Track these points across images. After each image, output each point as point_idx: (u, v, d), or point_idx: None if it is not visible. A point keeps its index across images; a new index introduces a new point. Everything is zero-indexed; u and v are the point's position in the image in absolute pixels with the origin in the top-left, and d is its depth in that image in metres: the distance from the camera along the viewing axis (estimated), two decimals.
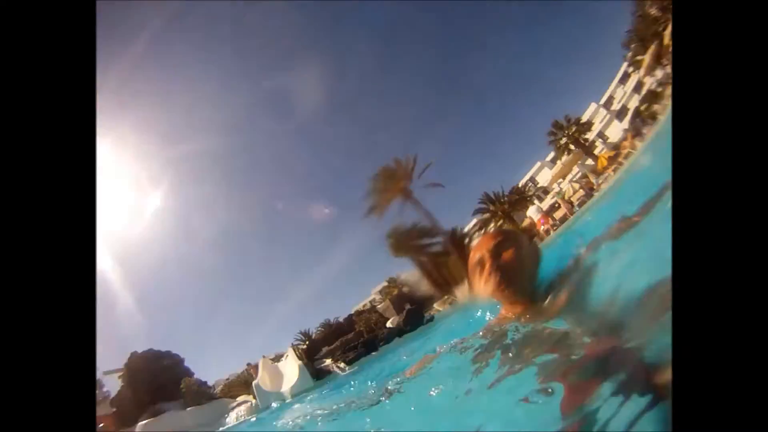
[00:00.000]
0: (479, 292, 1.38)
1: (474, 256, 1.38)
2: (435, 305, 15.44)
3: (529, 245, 1.40)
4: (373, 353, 9.38)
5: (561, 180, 25.83)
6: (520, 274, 1.32)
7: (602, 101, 42.94)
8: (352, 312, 27.57)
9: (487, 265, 1.32)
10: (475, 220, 35.91)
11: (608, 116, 44.08)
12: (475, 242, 1.47)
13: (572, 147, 32.77)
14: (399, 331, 10.17)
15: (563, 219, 15.98)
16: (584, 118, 37.82)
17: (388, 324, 13.43)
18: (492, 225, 33.83)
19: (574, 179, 21.20)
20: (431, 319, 10.39)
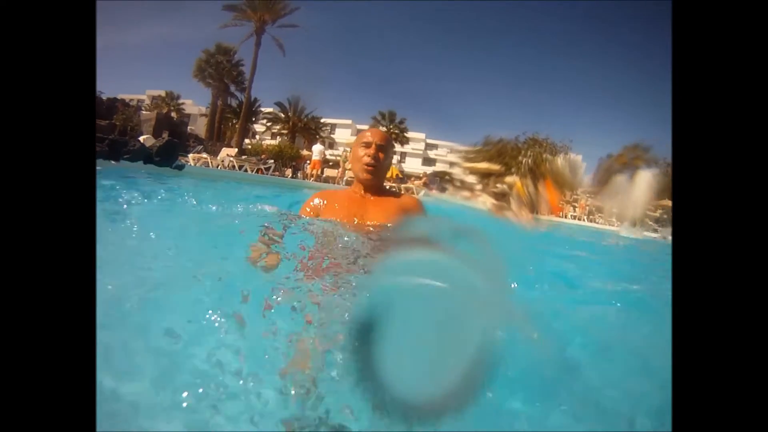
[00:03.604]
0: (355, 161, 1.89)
1: (367, 138, 1.89)
2: (191, 155, 14.72)
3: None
4: (113, 162, 8.33)
5: (348, 149, 26.31)
6: (383, 172, 1.89)
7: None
8: (121, 98, 24.63)
9: (372, 151, 1.85)
10: (269, 110, 35.93)
11: (444, 153, 50.20)
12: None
13: None
14: (147, 156, 9.10)
15: (327, 179, 16.38)
16: (414, 135, 42.17)
17: (141, 138, 11.90)
18: (278, 127, 34.72)
19: None
20: (181, 166, 9.67)
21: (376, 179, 1.91)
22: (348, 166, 17.33)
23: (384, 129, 36.31)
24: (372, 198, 1.90)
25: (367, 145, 1.89)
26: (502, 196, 1.97)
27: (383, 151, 1.91)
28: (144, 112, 23.78)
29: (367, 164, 1.86)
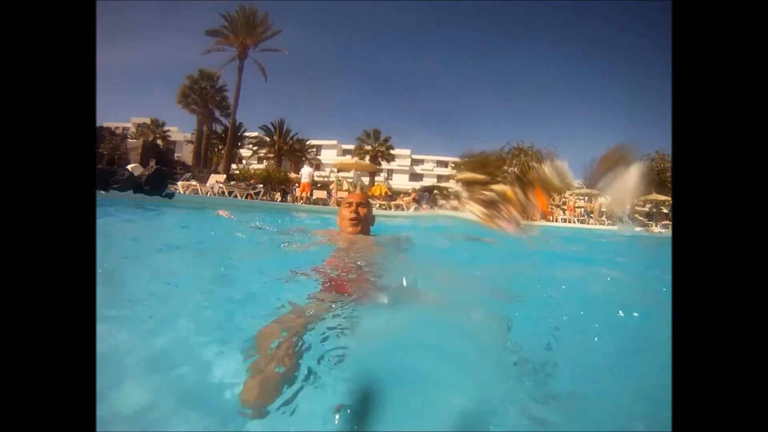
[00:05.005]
0: (342, 219, 2.41)
1: (348, 199, 2.45)
2: (180, 183, 14.76)
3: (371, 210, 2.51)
4: (102, 192, 8.21)
5: (335, 170, 26.05)
6: (366, 223, 2.40)
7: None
8: (107, 126, 24.91)
9: (353, 208, 2.37)
10: (254, 134, 36.21)
11: (431, 167, 50.77)
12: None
13: (368, 158, 35.66)
14: (136, 185, 9.02)
15: (316, 201, 16.26)
16: (400, 151, 42.58)
17: (129, 167, 11.77)
18: (264, 151, 35.19)
19: (348, 178, 21.56)
20: (171, 195, 9.65)
21: (361, 230, 2.39)
22: (343, 188, 17.59)
23: (369, 147, 36.73)
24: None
25: (350, 205, 2.41)
26: (490, 204, 2.05)
27: (363, 207, 2.43)
28: (130, 140, 23.65)
29: (351, 219, 2.36)
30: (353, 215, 2.38)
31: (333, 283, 1.62)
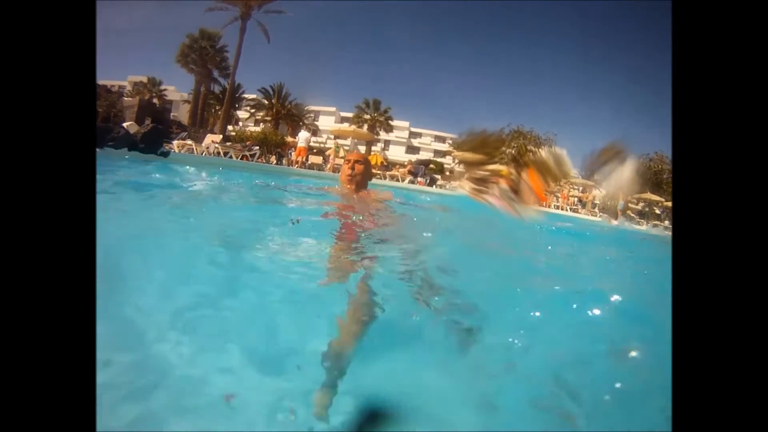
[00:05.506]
0: (344, 173, 2.75)
1: (348, 157, 2.83)
2: (175, 142, 14.78)
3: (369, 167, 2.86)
4: (97, 148, 8.55)
5: (333, 136, 25.42)
6: (363, 178, 2.74)
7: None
8: (103, 84, 23.52)
9: (350, 164, 2.73)
10: (252, 97, 36.19)
11: (428, 141, 50.37)
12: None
13: (366, 126, 35.44)
14: (131, 143, 8.72)
15: (311, 166, 16.09)
16: (398, 123, 42.19)
17: (125, 124, 11.18)
18: (262, 114, 34.85)
19: (345, 146, 21.10)
20: (166, 153, 9.39)
21: (358, 185, 2.79)
22: (339, 155, 17.54)
23: (368, 117, 36.35)
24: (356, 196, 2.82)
25: (348, 162, 2.80)
26: (482, 181, 2.05)
27: (360, 164, 2.80)
28: (126, 98, 23.28)
29: (348, 175, 2.75)
30: (351, 171, 2.76)
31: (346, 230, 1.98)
